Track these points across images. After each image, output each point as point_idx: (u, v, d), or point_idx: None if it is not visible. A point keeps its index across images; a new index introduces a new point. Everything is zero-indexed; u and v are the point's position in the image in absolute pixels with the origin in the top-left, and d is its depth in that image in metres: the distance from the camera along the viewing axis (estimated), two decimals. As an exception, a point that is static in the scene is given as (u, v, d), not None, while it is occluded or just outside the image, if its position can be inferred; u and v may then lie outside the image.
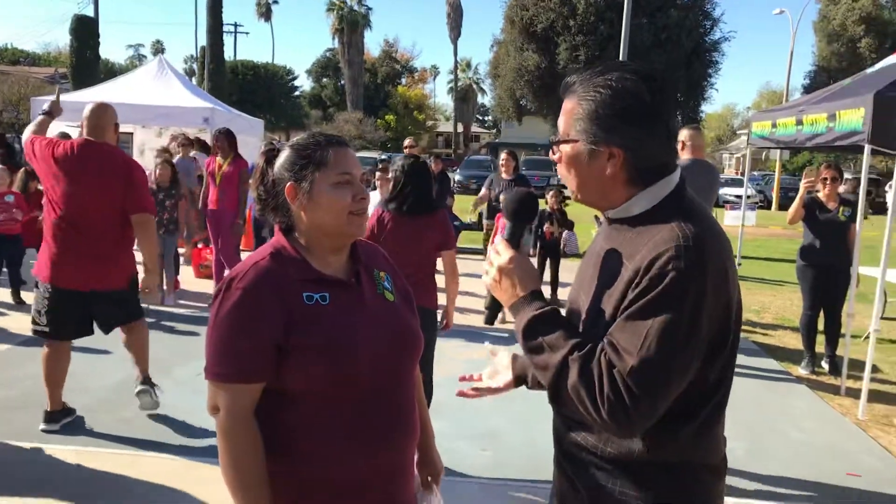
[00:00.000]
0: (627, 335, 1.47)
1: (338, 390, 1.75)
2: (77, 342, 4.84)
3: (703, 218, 1.56)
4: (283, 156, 1.88)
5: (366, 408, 1.79)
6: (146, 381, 5.04)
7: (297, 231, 1.88)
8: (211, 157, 8.61)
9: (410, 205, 4.37)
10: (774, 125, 8.20)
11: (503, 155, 9.72)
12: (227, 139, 8.32)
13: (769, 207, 32.91)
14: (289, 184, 1.85)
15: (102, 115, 4.65)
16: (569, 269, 8.33)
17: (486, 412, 5.24)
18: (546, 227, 8.77)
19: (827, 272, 6.76)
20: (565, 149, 1.65)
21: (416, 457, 2.03)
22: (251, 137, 13.34)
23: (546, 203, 8.94)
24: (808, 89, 45.71)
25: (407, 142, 9.86)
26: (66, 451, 4.43)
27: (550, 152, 1.73)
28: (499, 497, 4.17)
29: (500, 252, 1.69)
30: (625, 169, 1.59)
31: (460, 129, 66.32)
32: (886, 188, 31.48)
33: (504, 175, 9.40)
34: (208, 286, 9.18)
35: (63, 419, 4.75)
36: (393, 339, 1.87)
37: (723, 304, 1.51)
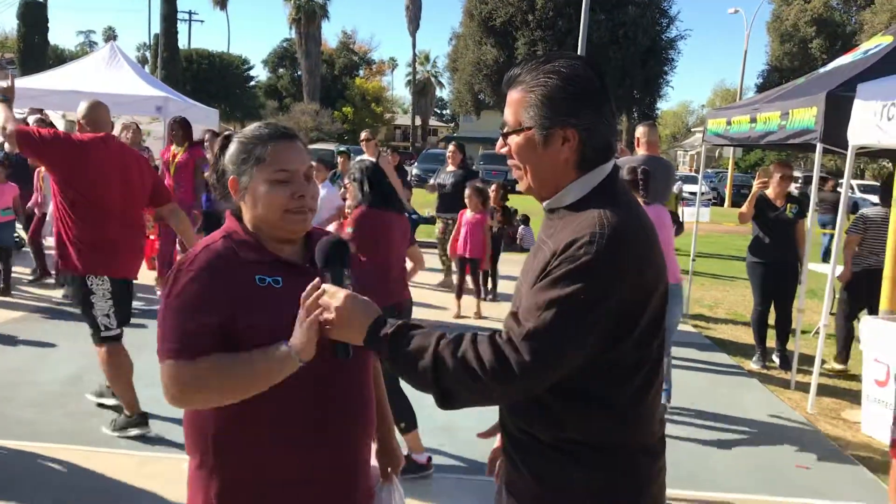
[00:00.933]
0: (528, 304, 1.53)
1: (289, 381, 1.72)
2: (24, 336, 4.72)
3: (627, 208, 1.61)
4: (231, 147, 1.88)
5: (311, 397, 1.77)
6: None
7: (244, 220, 1.88)
8: (167, 146, 8.42)
9: (384, 198, 4.35)
10: (729, 123, 8.31)
11: (450, 147, 9.74)
12: (181, 128, 8.21)
13: (722, 204, 33.46)
14: (231, 177, 1.86)
15: (101, 110, 4.72)
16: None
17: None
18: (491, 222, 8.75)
19: (776, 269, 6.86)
20: (516, 139, 1.67)
21: (373, 447, 2.02)
22: (206, 127, 13.10)
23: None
24: (761, 88, 46.52)
25: (363, 134, 9.79)
26: (18, 447, 4.31)
27: (498, 146, 1.74)
28: (454, 492, 4.16)
29: (333, 295, 1.66)
30: (577, 152, 1.62)
31: (418, 122, 66.18)
32: (837, 187, 32.24)
33: (451, 166, 9.41)
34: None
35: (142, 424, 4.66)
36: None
37: (636, 291, 1.55)
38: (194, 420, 1.84)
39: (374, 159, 5.19)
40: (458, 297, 8.43)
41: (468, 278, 8.52)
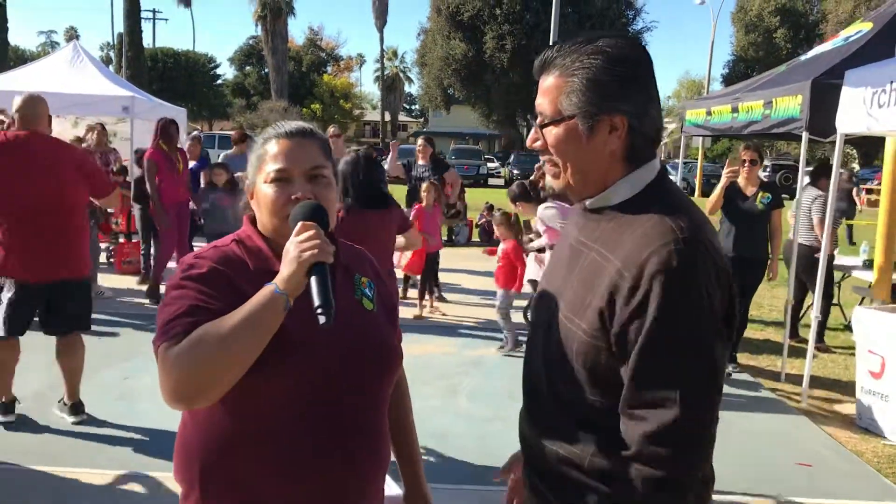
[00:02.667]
0: (652, 379, 1.32)
1: (284, 400, 1.55)
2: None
3: (690, 208, 1.44)
4: None
5: (310, 424, 1.59)
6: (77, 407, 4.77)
7: (258, 225, 1.72)
8: (152, 148, 8.13)
9: (366, 199, 4.26)
10: (709, 113, 8.21)
11: (420, 141, 9.61)
12: (177, 130, 8.25)
13: (693, 194, 33.61)
14: (246, 182, 1.72)
15: (37, 105, 4.52)
16: (462, 257, 8.26)
17: (432, 411, 5.06)
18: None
19: (740, 262, 6.09)
20: (555, 131, 1.47)
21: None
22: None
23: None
24: (726, 78, 46.99)
25: (331, 130, 9.57)
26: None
27: (530, 140, 1.54)
28: (452, 503, 3.99)
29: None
30: (626, 142, 1.44)
31: (387, 118, 65.86)
32: (852, 177, 32.52)
33: (421, 161, 9.26)
34: (130, 282, 8.77)
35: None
36: (362, 351, 1.66)
37: (726, 298, 1.38)
38: (183, 447, 1.67)
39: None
40: (422, 296, 8.23)
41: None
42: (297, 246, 1.46)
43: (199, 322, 1.48)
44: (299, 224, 1.50)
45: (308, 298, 1.45)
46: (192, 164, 9.16)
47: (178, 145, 8.49)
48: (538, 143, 1.51)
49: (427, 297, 8.35)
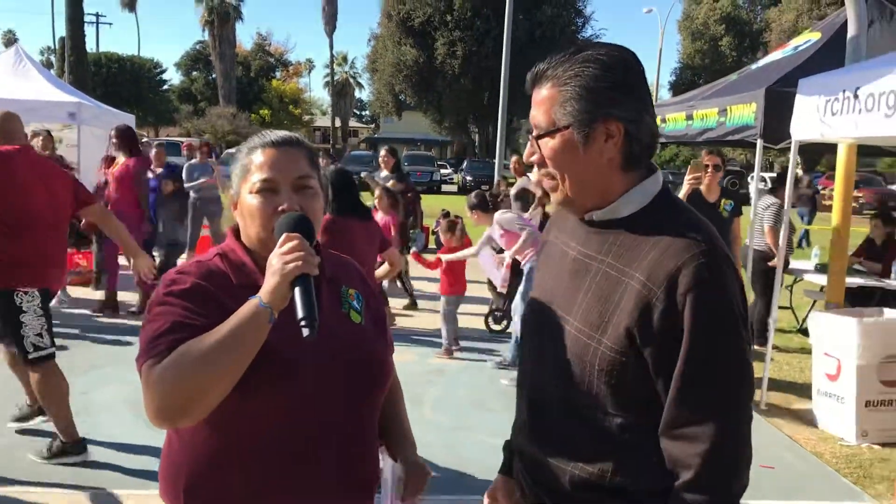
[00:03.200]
0: (698, 397, 1.33)
1: (270, 417, 1.51)
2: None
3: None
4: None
5: (303, 440, 1.55)
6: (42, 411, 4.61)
7: (243, 238, 1.67)
8: (106, 155, 8.00)
9: (351, 209, 4.32)
10: (664, 120, 8.32)
11: (382, 151, 9.65)
12: (121, 137, 7.87)
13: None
14: (231, 192, 1.66)
15: (17, 122, 4.42)
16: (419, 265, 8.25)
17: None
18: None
19: None
20: (551, 143, 1.45)
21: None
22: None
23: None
24: (673, 85, 47.85)
25: None
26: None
27: (527, 153, 1.52)
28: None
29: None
30: (623, 149, 1.43)
31: (338, 123, 65.51)
32: (749, 179, 33.38)
33: (384, 171, 9.27)
34: (79, 293, 8.54)
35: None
36: (350, 365, 1.61)
37: (745, 301, 1.41)
38: (168, 465, 1.63)
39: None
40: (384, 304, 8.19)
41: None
42: (281, 258, 1.42)
43: (183, 339, 1.44)
44: (283, 236, 1.46)
45: (293, 312, 1.41)
46: (158, 170, 9.02)
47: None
48: (535, 157, 1.49)
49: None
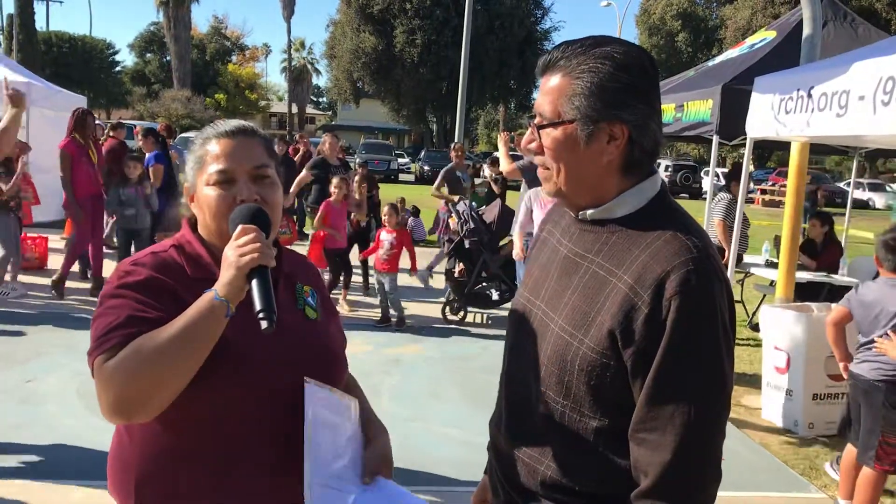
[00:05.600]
0: (667, 401, 1.30)
1: (224, 412, 1.48)
2: None
3: (694, 223, 1.43)
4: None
5: (257, 436, 1.52)
6: None
7: (199, 230, 1.63)
8: (67, 139, 7.82)
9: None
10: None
11: (328, 138, 9.40)
12: (93, 121, 8.06)
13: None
14: (185, 184, 1.62)
15: None
16: (417, 255, 8.25)
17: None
18: (353, 216, 8.48)
19: None
20: (553, 133, 1.42)
21: None
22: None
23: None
24: (630, 80, 48.35)
25: None
26: None
27: (525, 140, 1.48)
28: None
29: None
30: (624, 153, 1.40)
31: (295, 110, 64.84)
32: (702, 174, 33.94)
33: (328, 159, 9.13)
34: (31, 279, 8.32)
35: None
36: (305, 361, 1.59)
37: (733, 310, 1.40)
38: (117, 459, 1.59)
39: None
40: (331, 289, 8.14)
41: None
42: (237, 250, 1.40)
43: (137, 333, 1.41)
44: (239, 227, 1.44)
45: (249, 307, 1.38)
46: (147, 156, 8.93)
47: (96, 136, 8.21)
48: (533, 145, 1.46)
49: (341, 293, 8.26)
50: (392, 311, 7.55)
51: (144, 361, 1.36)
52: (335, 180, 8.12)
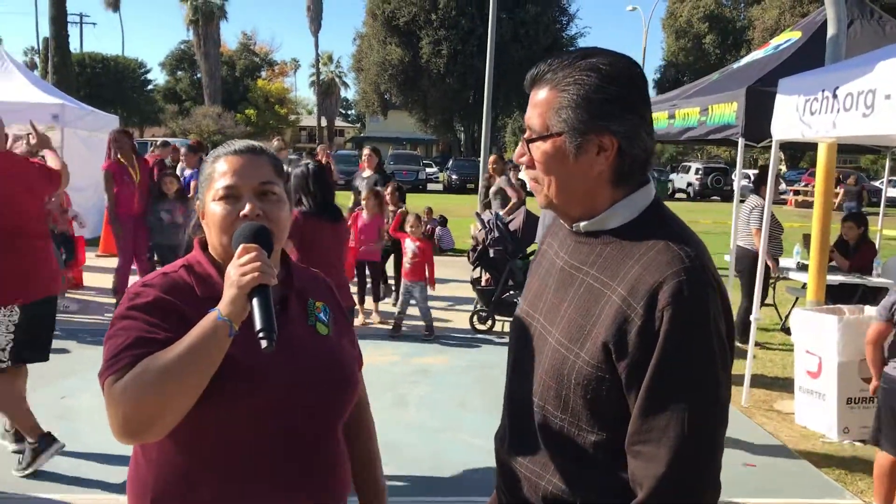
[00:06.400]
0: (660, 414, 1.28)
1: (235, 431, 1.50)
2: None
3: (689, 232, 1.41)
4: None
5: (269, 454, 1.54)
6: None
7: (210, 249, 1.66)
8: (109, 160, 8.05)
9: (322, 209, 4.34)
10: (647, 119, 8.35)
11: (366, 151, 9.57)
12: (130, 140, 8.08)
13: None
14: (197, 202, 1.66)
15: None
16: (444, 264, 8.26)
17: (382, 423, 4.99)
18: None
19: None
20: (542, 147, 1.42)
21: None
22: (105, 134, 12.45)
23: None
24: (658, 83, 47.99)
25: (276, 143, 9.46)
26: None
27: (517, 154, 1.49)
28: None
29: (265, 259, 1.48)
30: (614, 164, 1.39)
31: (324, 123, 65.36)
32: (732, 176, 33.58)
33: (367, 171, 9.24)
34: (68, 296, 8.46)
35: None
36: (316, 378, 1.61)
37: (730, 327, 1.37)
38: (134, 480, 1.61)
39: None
40: (361, 302, 8.18)
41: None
42: (238, 269, 1.41)
43: (145, 353, 1.43)
44: (240, 247, 1.46)
45: (254, 323, 1.40)
46: (188, 172, 9.08)
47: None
48: (524, 159, 1.46)
49: (372, 304, 8.31)
50: (401, 317, 7.54)
51: (150, 382, 1.38)
52: (364, 192, 8.20)
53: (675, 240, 1.35)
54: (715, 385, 1.29)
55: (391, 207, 8.51)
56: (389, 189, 8.95)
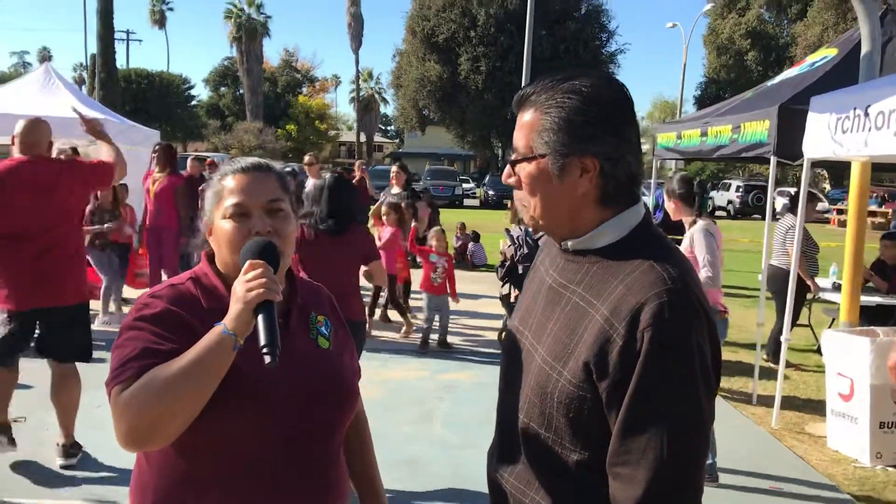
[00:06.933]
0: (638, 435, 1.28)
1: (237, 441, 1.54)
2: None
3: (676, 253, 1.41)
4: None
5: (270, 463, 1.57)
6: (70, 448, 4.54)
7: (216, 262, 1.71)
8: (148, 171, 8.27)
9: (331, 224, 4.38)
10: (679, 137, 8.32)
11: (393, 168, 9.56)
12: (164, 153, 8.26)
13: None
14: (204, 219, 1.70)
15: (36, 130, 4.42)
16: (475, 280, 8.25)
17: (406, 437, 5.04)
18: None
19: None
20: (527, 168, 1.44)
21: None
22: (147, 149, 12.71)
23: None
24: (699, 100, 47.59)
25: (307, 158, 9.58)
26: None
27: (505, 175, 1.52)
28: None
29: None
30: (598, 185, 1.40)
31: (363, 138, 65.92)
32: (775, 194, 33.10)
33: (396, 188, 9.28)
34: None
35: None
36: (316, 390, 1.65)
37: (716, 349, 1.36)
38: (137, 488, 1.66)
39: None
40: (370, 314, 8.14)
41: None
42: (244, 285, 1.45)
43: (151, 364, 1.47)
44: (247, 263, 1.50)
45: (258, 337, 1.44)
46: None
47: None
48: (512, 180, 1.49)
49: (402, 319, 8.34)
50: (429, 332, 7.59)
51: (155, 393, 1.42)
52: (384, 207, 8.27)
53: (661, 261, 1.35)
54: (695, 407, 1.29)
55: (414, 223, 8.57)
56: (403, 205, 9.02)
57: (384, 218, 8.18)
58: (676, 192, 5.02)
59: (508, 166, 1.50)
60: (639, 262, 1.35)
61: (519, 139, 1.46)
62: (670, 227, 9.16)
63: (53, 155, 9.74)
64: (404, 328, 8.13)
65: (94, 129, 4.66)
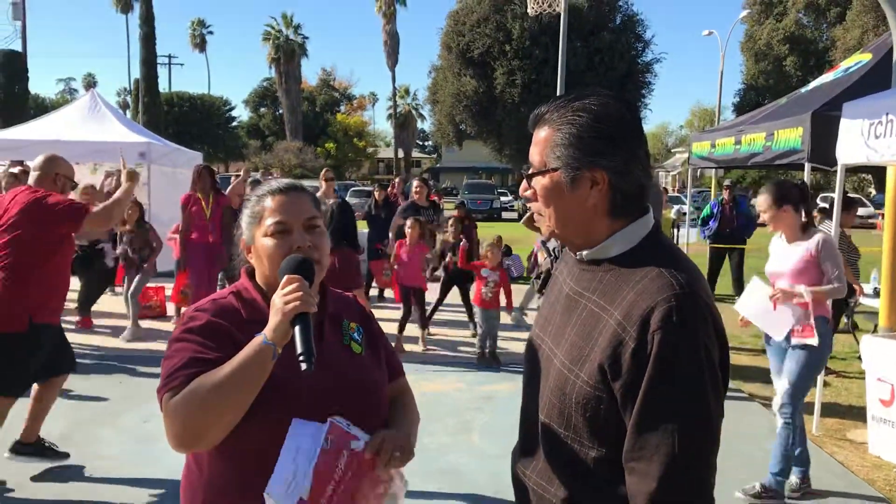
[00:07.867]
0: (650, 433, 1.37)
1: (277, 443, 1.64)
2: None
3: (684, 261, 1.51)
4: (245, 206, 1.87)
5: None
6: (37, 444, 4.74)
7: (256, 278, 1.85)
8: (191, 191, 8.54)
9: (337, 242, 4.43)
10: (714, 145, 8.34)
11: (415, 183, 9.58)
12: (210, 176, 8.58)
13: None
14: (242, 238, 1.85)
15: (49, 164, 4.66)
16: (513, 292, 8.30)
17: (443, 447, 5.13)
18: (448, 258, 8.61)
19: None
20: (542, 181, 1.56)
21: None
22: (190, 170, 13.04)
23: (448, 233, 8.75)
24: (737, 107, 47.03)
25: (326, 173, 9.76)
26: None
27: (521, 188, 1.64)
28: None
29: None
30: (607, 197, 1.51)
31: (401, 154, 66.43)
32: (818, 200, 32.60)
33: (418, 203, 9.32)
34: (153, 325, 8.88)
35: None
36: (349, 392, 1.77)
37: (723, 349, 1.45)
38: (186, 489, 1.80)
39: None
40: (401, 330, 8.17)
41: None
42: (282, 298, 1.60)
43: (198, 373, 1.62)
44: (285, 277, 1.64)
45: (296, 346, 1.57)
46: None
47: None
48: (528, 192, 1.60)
49: (421, 329, 8.45)
50: (487, 345, 7.66)
51: (202, 398, 1.57)
52: (408, 221, 8.37)
53: (669, 267, 1.44)
54: (703, 405, 1.38)
55: (451, 238, 8.63)
56: (451, 221, 9.06)
57: (407, 232, 8.29)
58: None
59: (525, 180, 1.62)
60: (648, 270, 1.45)
61: (534, 154, 1.58)
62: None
63: (102, 178, 10.03)
64: (420, 342, 8.27)
65: (130, 178, 4.72)
